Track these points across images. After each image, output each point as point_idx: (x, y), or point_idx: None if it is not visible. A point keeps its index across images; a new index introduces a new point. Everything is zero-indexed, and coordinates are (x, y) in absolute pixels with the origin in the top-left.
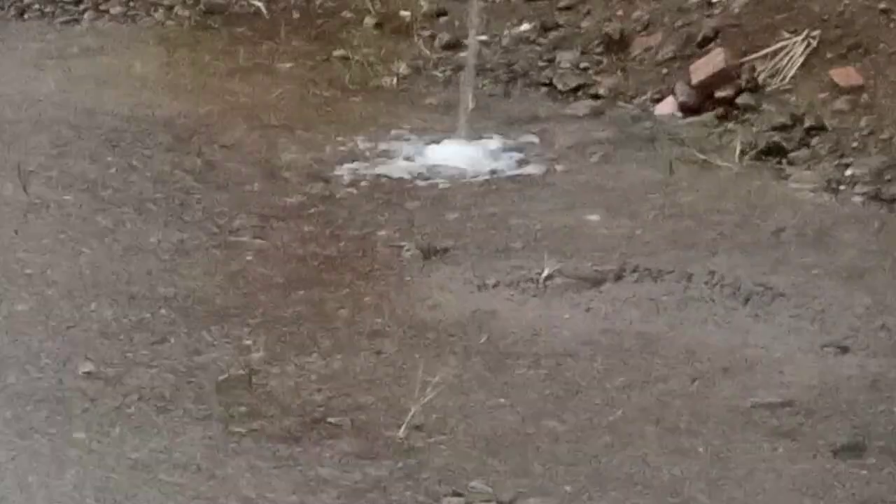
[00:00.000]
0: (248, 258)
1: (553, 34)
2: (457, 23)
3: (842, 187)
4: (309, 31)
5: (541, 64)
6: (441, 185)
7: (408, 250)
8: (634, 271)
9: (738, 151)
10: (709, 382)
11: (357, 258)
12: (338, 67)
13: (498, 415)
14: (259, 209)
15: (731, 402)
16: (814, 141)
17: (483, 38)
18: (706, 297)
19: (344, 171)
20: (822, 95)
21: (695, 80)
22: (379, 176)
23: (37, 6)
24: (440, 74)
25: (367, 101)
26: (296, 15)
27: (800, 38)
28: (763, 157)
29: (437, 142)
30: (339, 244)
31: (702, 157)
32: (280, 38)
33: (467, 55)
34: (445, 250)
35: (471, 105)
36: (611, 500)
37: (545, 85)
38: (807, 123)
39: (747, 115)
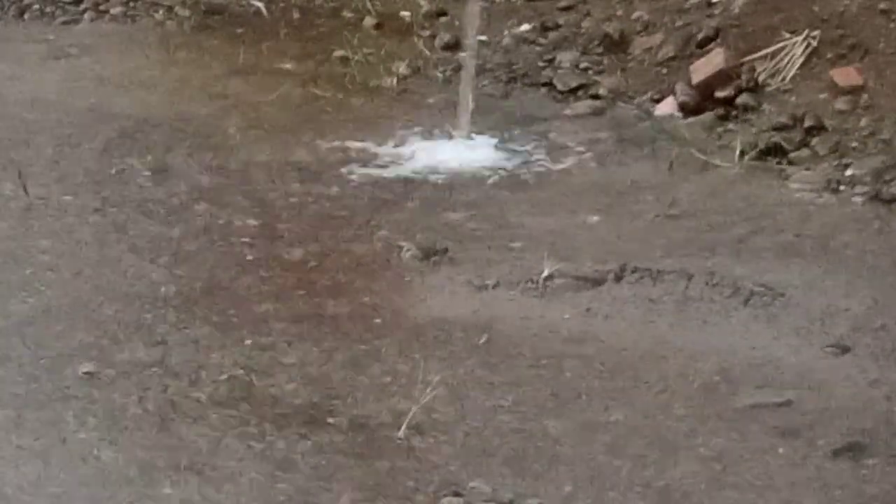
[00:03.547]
0: (248, 258)
1: (553, 34)
2: (457, 23)
3: (842, 187)
4: (309, 31)
5: (541, 64)
6: (441, 185)
7: (408, 250)
8: (634, 271)
9: (738, 151)
10: (709, 382)
11: (357, 258)
12: (338, 67)
13: (498, 415)
14: (259, 209)
15: (731, 402)
16: (814, 141)
17: (483, 38)
18: (706, 297)
19: (344, 171)
20: (822, 95)
21: (695, 80)
22: (379, 176)
23: (37, 6)
24: (440, 74)
25: (367, 101)
26: (296, 15)
27: (800, 38)
28: (763, 157)
29: (437, 142)
30: (339, 244)
31: (702, 157)
32: (280, 38)
33: (467, 55)
34: (445, 250)
35: (471, 105)
36: (611, 500)
37: (545, 85)
38: (807, 123)
39: (747, 115)
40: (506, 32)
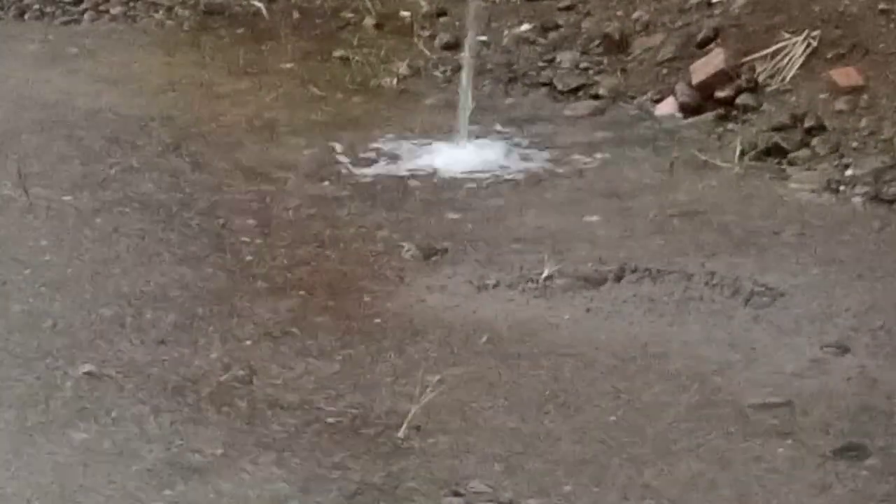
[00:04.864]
0: (248, 258)
1: (553, 34)
2: (457, 23)
3: (842, 187)
4: (309, 31)
5: (541, 64)
6: (441, 186)
7: (408, 250)
8: (634, 271)
9: (738, 151)
10: (709, 382)
11: (357, 258)
12: (338, 67)
13: (498, 415)
14: (259, 209)
15: (731, 402)
16: (814, 141)
17: (483, 38)
18: (706, 297)
19: (344, 170)
20: (822, 95)
21: (695, 80)
22: (379, 176)
23: (37, 6)
24: (440, 74)
25: (367, 101)
26: (296, 15)
27: (800, 38)
28: (763, 158)
29: (437, 142)
30: (339, 244)
31: (702, 157)
32: (280, 38)
33: (467, 55)
34: (445, 250)
35: (471, 105)
36: (610, 500)
37: (545, 85)
38: (807, 123)
39: (747, 116)
40: (506, 32)
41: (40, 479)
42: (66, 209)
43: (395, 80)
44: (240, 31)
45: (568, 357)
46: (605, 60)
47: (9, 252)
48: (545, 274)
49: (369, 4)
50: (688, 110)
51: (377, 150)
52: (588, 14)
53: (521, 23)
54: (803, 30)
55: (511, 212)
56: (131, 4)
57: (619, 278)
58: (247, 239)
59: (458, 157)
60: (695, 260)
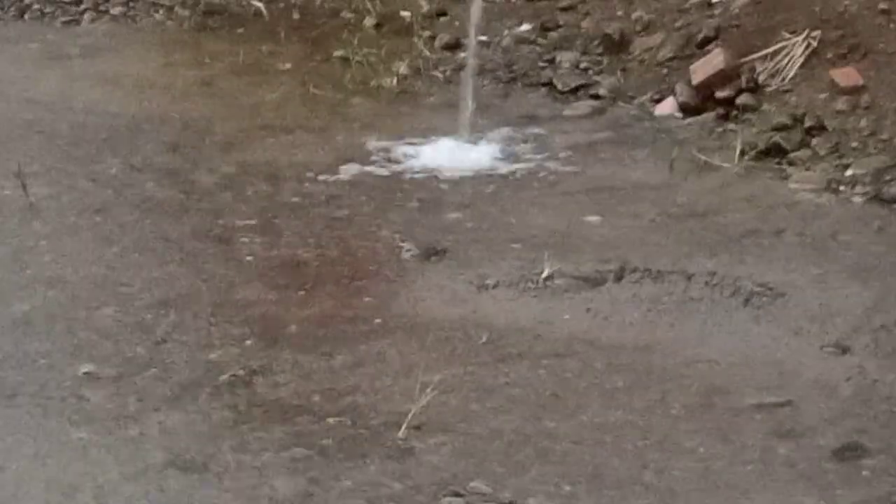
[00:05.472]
0: (248, 258)
1: (553, 34)
2: (457, 23)
3: (842, 188)
4: (309, 32)
5: (541, 64)
6: (441, 185)
7: (408, 250)
8: (634, 271)
9: (738, 151)
10: (709, 382)
11: (357, 258)
12: (338, 67)
13: (498, 415)
14: (259, 209)
15: (731, 403)
16: (814, 141)
17: (483, 38)
18: (706, 297)
19: (344, 171)
20: (822, 95)
21: (695, 80)
22: (379, 176)
23: (37, 6)
24: (440, 74)
25: (367, 101)
26: (296, 15)
27: (800, 38)
28: (763, 158)
29: (437, 142)
30: (339, 244)
31: (702, 157)
32: (280, 39)
33: (467, 55)
34: (445, 250)
35: (471, 105)
36: (610, 500)
37: (545, 85)
38: (807, 123)
39: (747, 116)
40: (506, 32)
41: (41, 479)
42: (66, 209)
43: (395, 80)
44: (240, 31)
45: (568, 357)
46: (605, 60)
47: (9, 252)
48: (545, 274)
49: (369, 4)
50: (688, 110)
51: (377, 149)
52: (588, 14)
53: (521, 23)
54: (803, 30)
55: (511, 212)
56: (131, 4)
57: (619, 278)
58: (246, 239)
59: (458, 156)
60: (695, 260)
